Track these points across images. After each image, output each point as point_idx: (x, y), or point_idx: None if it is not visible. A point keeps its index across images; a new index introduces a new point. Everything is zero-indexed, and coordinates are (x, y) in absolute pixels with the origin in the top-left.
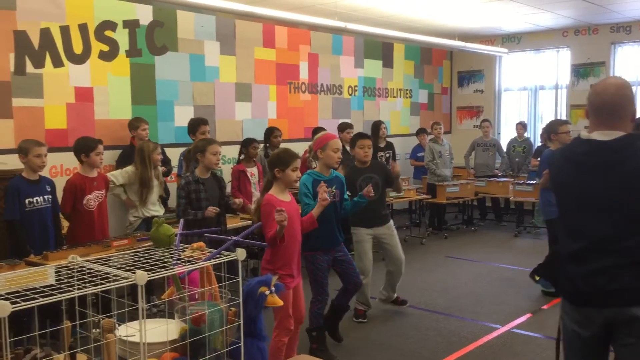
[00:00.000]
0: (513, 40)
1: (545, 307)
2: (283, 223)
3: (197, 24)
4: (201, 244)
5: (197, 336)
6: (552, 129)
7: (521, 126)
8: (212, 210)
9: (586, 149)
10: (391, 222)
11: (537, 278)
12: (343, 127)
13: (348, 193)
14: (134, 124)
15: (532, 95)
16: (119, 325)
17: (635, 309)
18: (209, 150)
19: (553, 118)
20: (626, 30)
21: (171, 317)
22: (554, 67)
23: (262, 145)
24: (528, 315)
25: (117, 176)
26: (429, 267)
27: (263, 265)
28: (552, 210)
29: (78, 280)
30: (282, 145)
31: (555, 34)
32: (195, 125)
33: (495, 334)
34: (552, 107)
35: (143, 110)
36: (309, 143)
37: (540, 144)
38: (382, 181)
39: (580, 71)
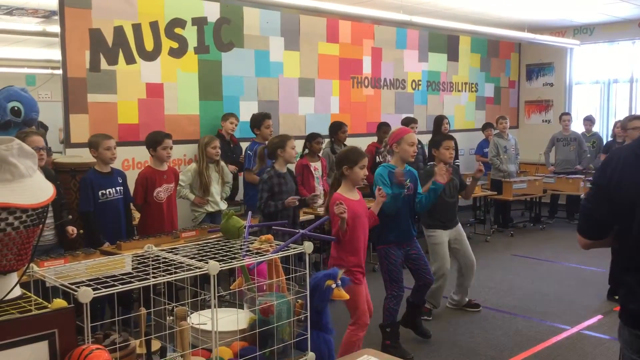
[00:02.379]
0: (585, 31)
1: (617, 308)
2: (342, 215)
3: (263, 20)
4: (269, 236)
5: (266, 326)
6: (623, 125)
7: (588, 120)
8: (292, 199)
9: None
10: (459, 224)
11: (617, 297)
12: (407, 122)
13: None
14: (225, 117)
15: (605, 89)
16: (190, 313)
17: None
18: (288, 145)
19: (627, 113)
20: None
21: (240, 307)
22: (629, 59)
23: (327, 140)
24: (599, 316)
25: (183, 178)
26: (494, 265)
27: (331, 263)
28: None
29: (152, 269)
30: (346, 141)
31: (630, 25)
32: (260, 119)
33: (563, 334)
34: (626, 102)
35: (210, 106)
36: (373, 138)
37: (610, 138)
38: (458, 183)
39: None
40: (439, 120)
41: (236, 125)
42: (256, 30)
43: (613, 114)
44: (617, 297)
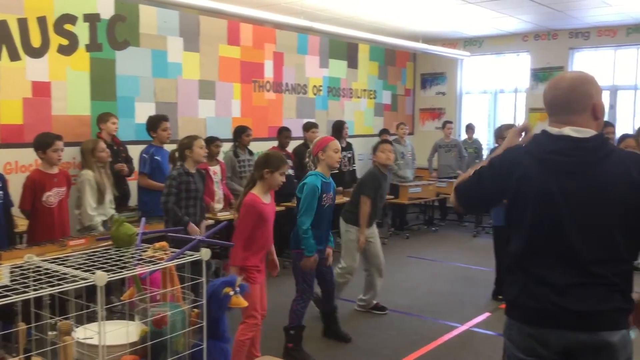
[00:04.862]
0: (475, 43)
1: (503, 306)
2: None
3: (160, 19)
4: (163, 243)
5: (158, 338)
6: (500, 134)
7: (469, 128)
8: (195, 230)
9: (558, 146)
10: (375, 224)
11: (501, 297)
12: (308, 127)
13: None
14: (104, 117)
15: (492, 99)
16: (76, 327)
17: (606, 333)
18: (195, 144)
19: (512, 121)
20: (584, 36)
21: (131, 319)
22: (514, 71)
23: (228, 144)
24: (487, 314)
25: (91, 202)
26: (390, 267)
27: (233, 258)
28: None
29: (34, 280)
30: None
31: (515, 39)
32: (156, 121)
33: (455, 332)
34: (511, 111)
35: (102, 106)
36: (274, 143)
37: (495, 145)
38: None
39: (539, 75)
40: (339, 126)
41: (117, 124)
42: (153, 29)
43: (499, 123)
44: (500, 297)
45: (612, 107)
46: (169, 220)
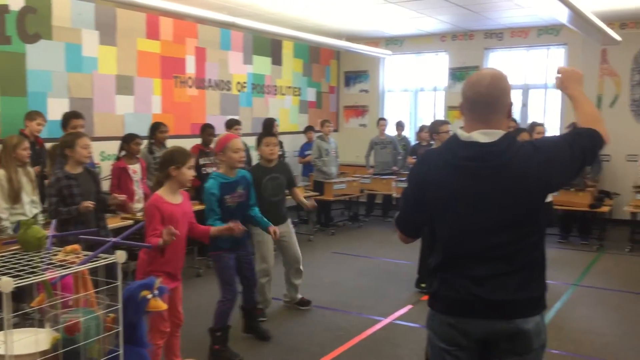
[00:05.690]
0: (396, 42)
1: (424, 298)
2: (167, 242)
3: (74, 12)
4: (75, 246)
5: (71, 345)
6: (434, 129)
7: (399, 125)
8: (87, 204)
9: (469, 153)
10: (289, 220)
11: (423, 285)
12: (231, 124)
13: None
14: (32, 115)
15: (412, 97)
16: None
17: (520, 321)
18: (78, 144)
19: (431, 119)
20: (498, 37)
21: (43, 326)
22: (433, 70)
23: (145, 141)
24: (409, 306)
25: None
26: (316, 263)
27: (140, 264)
28: None
29: None
30: (168, 142)
31: (434, 38)
32: (66, 119)
33: (378, 326)
34: (431, 108)
35: (11, 102)
36: (197, 140)
37: (416, 141)
38: (285, 181)
39: (456, 74)
40: (269, 123)
41: (43, 126)
42: (67, 22)
43: (420, 120)
44: (423, 285)
45: (525, 105)
46: (69, 223)
